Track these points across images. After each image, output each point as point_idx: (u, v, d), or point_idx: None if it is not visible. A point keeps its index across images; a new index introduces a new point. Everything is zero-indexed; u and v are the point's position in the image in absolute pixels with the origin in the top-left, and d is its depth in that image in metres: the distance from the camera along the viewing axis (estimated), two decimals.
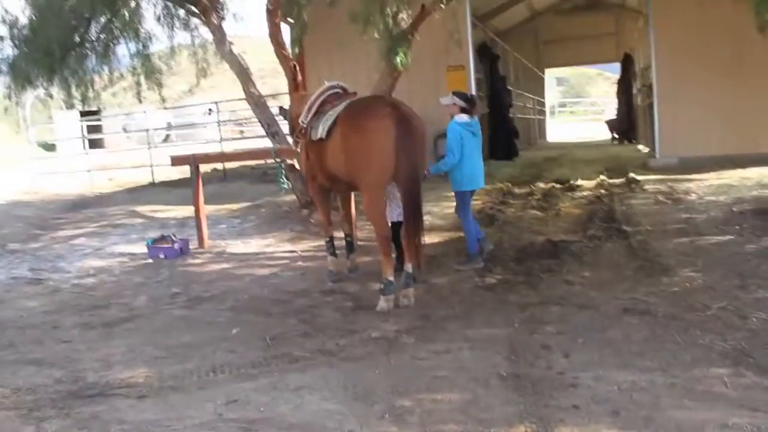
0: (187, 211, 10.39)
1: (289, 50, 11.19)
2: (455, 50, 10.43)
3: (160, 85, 10.53)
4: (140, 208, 11.00)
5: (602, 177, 9.66)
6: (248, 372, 3.97)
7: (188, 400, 3.60)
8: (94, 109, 25.15)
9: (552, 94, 37.75)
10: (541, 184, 9.26)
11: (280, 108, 6.82)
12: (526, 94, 19.53)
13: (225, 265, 6.92)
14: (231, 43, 8.85)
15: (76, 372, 4.12)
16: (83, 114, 21.88)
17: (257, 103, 8.83)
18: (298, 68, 8.12)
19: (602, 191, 8.80)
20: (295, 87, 8.11)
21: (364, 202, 5.17)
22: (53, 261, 7.62)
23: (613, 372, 3.57)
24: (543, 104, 26.25)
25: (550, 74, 29.93)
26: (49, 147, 21.60)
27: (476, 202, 8.70)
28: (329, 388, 3.63)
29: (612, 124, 19.69)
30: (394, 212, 6.00)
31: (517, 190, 9.17)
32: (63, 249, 8.30)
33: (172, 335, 4.76)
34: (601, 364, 3.70)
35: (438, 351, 4.09)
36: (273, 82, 26.50)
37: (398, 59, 8.30)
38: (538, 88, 24.19)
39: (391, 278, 5.05)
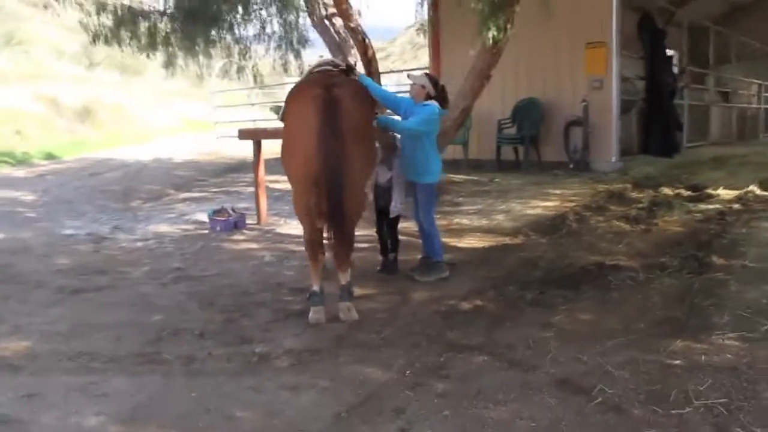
0: None
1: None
2: (598, 24, 8.89)
3: (298, 57, 10.77)
4: (266, 177, 11.34)
5: (752, 187, 7.42)
6: (91, 366, 3.74)
7: (5, 385, 3.48)
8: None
9: None
10: (667, 190, 7.43)
11: None
12: (751, 80, 15.98)
13: (254, 245, 6.75)
14: (332, 14, 8.47)
15: None
16: None
17: None
18: (369, 42, 7.49)
19: (735, 206, 6.74)
20: (367, 62, 7.52)
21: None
22: (138, 222, 8.16)
23: None
24: None
25: None
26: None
27: (569, 203, 7.36)
28: (115, 402, 3.27)
29: None
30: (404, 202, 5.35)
31: (632, 194, 7.49)
32: (160, 211, 8.88)
33: (105, 312, 4.71)
34: None
35: (285, 385, 3.42)
36: None
37: (490, 34, 7.18)
38: None
39: (316, 288, 4.40)
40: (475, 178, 9.39)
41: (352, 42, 8.54)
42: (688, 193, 7.31)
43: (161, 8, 10.16)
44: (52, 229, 7.69)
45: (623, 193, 7.49)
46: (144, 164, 13.96)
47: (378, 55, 11.15)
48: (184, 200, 9.75)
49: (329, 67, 5.16)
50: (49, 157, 14.22)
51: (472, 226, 6.89)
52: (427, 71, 5.69)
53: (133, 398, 3.30)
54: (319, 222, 4.24)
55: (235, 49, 10.84)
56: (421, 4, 9.91)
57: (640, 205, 6.88)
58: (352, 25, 7.39)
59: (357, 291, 5.04)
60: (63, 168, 13.24)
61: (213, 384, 3.46)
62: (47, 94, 17.25)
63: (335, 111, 4.04)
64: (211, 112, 17.27)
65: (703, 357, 3.52)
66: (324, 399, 3.25)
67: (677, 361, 3.48)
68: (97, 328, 4.35)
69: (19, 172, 12.58)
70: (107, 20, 9.64)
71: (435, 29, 10.70)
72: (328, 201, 4.07)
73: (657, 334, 3.87)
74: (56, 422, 3.08)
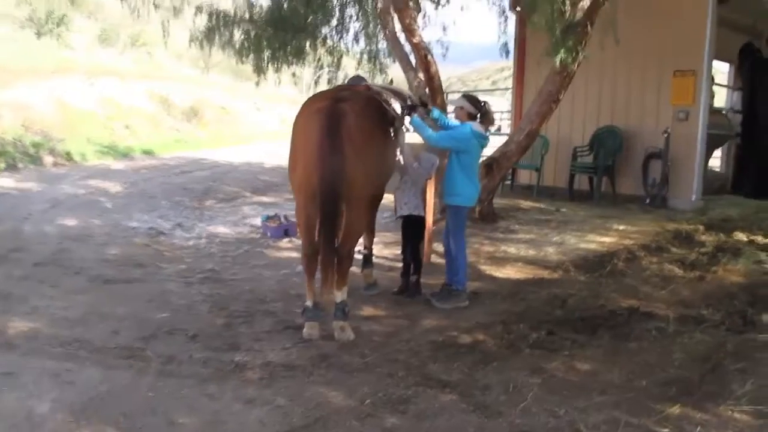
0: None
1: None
2: (690, 50, 8.29)
3: (382, 71, 10.90)
4: None
5: None
6: (78, 354, 3.91)
7: None
8: None
9: None
10: (741, 235, 6.70)
11: None
12: None
13: (294, 254, 6.74)
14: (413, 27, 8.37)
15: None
16: None
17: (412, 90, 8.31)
18: (432, 58, 7.37)
19: None
20: (429, 79, 7.40)
21: None
22: (201, 221, 8.45)
23: None
24: None
25: None
26: None
27: (627, 240, 6.85)
28: (76, 391, 3.38)
29: None
30: (409, 204, 5.29)
31: (701, 237, 6.83)
32: (226, 213, 9.17)
33: (121, 304, 4.91)
34: None
35: (242, 398, 3.40)
36: None
37: (558, 57, 6.85)
38: None
39: (309, 303, 4.35)
40: (542, 206, 8.98)
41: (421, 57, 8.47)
42: (766, 241, 6.57)
43: (254, 17, 10.51)
44: (120, 221, 8.14)
45: (691, 235, 6.85)
46: (234, 166, 14.54)
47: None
48: (254, 204, 10.01)
49: (358, 83, 5.17)
50: (148, 153, 15.16)
51: (517, 255, 6.58)
52: (467, 93, 5.55)
53: (94, 390, 3.40)
54: (317, 236, 4.20)
55: (326, 60, 11.17)
56: (503, 28, 9.71)
57: (704, 249, 6.27)
58: (415, 40, 7.32)
59: (369, 311, 5.00)
60: (158, 164, 14.06)
61: (175, 386, 3.49)
62: (160, 93, 18.46)
63: (336, 125, 3.98)
64: None
65: (698, 428, 3.12)
66: (272, 417, 3.19)
67: (664, 430, 3.11)
68: (105, 318, 4.54)
69: (119, 165, 13.51)
70: (201, 25, 10.12)
71: (520, 53, 10.39)
72: (323, 216, 4.03)
73: (657, 395, 3.49)
74: (14, 403, 3.23)
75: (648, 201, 8.58)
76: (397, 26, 8.67)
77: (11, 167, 12.03)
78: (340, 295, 4.27)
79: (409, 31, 7.30)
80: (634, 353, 4.07)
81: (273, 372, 3.73)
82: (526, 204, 9.14)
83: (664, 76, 8.52)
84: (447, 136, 4.95)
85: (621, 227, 7.42)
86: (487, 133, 5.11)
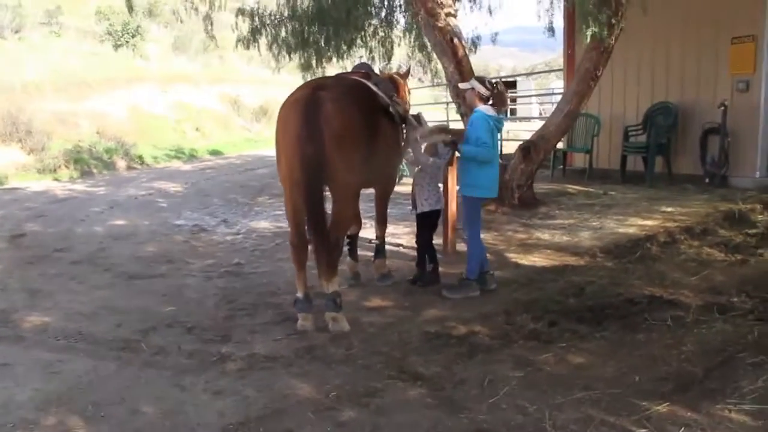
0: None
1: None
2: (747, 14, 7.62)
3: (430, 60, 10.77)
4: None
5: None
6: (76, 346, 4.10)
7: None
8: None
9: None
10: None
11: None
12: None
13: None
14: (449, 14, 8.13)
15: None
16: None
17: (450, 80, 8.09)
18: (459, 42, 7.12)
19: None
20: (457, 63, 7.17)
21: None
22: (246, 217, 8.63)
23: None
24: None
25: None
26: None
27: (671, 223, 6.38)
28: (60, 381, 3.52)
29: None
30: (429, 199, 5.18)
31: (757, 217, 6.22)
32: (275, 208, 9.27)
33: (135, 299, 5.10)
34: None
35: (212, 389, 3.41)
36: None
37: (589, 32, 6.46)
38: None
39: (300, 294, 4.32)
40: (591, 189, 8.52)
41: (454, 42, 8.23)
42: None
43: (297, 14, 10.55)
44: (167, 219, 8.45)
45: (746, 215, 6.27)
46: None
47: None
48: None
49: (363, 71, 5.06)
50: (217, 153, 15.69)
51: (549, 242, 6.26)
52: (477, 75, 5.31)
53: (77, 379, 3.53)
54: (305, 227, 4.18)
55: (378, 52, 11.12)
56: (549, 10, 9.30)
57: (754, 231, 5.71)
58: (440, 24, 7.12)
59: (376, 301, 4.92)
60: (224, 163, 14.55)
61: (153, 377, 3.56)
62: (231, 95, 19.05)
63: (314, 114, 3.91)
64: None
65: (682, 430, 2.82)
66: (234, 408, 3.18)
67: (642, 430, 2.83)
68: (114, 312, 4.72)
69: (186, 166, 14.07)
70: (244, 25, 10.27)
71: (569, 31, 9.92)
72: (308, 206, 3.99)
73: (648, 391, 3.19)
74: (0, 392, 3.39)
75: (707, 180, 7.95)
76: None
77: (86, 173, 12.81)
78: (329, 286, 4.21)
79: (432, 15, 7.11)
80: (639, 345, 3.76)
81: (253, 363, 3.73)
82: (574, 188, 8.71)
83: (721, 44, 7.84)
84: (485, 141, 4.63)
85: (669, 209, 6.91)
86: (501, 116, 4.86)
